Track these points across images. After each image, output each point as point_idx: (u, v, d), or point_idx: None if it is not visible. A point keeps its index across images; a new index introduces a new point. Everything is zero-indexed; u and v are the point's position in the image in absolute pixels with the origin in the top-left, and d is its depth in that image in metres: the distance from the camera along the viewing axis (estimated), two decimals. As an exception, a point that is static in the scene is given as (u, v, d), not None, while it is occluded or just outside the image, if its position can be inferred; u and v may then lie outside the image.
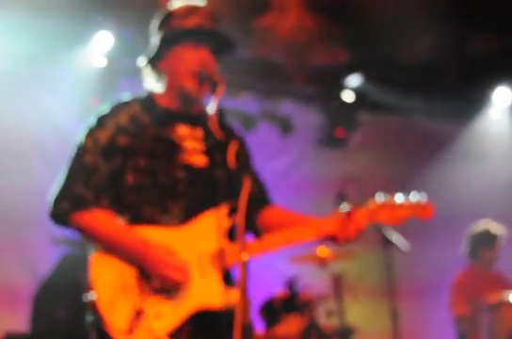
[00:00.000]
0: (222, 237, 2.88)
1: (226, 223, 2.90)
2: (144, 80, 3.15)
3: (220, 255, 2.85)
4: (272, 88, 7.43)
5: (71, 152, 2.96)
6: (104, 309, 2.71)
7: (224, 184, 2.99)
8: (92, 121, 2.99)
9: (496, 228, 6.56)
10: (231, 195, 2.88)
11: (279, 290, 5.98)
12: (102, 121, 2.96)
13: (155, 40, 3.10)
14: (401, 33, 6.59)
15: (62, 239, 5.69)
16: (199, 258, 2.84)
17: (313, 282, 6.12)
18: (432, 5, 6.43)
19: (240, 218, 2.60)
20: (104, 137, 2.91)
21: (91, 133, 2.94)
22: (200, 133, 3.05)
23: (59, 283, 5.83)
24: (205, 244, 2.86)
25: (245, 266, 2.55)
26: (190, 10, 3.07)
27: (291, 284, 5.95)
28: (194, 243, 2.85)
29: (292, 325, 5.76)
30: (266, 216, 3.14)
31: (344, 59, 7.06)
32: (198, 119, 3.07)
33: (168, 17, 3.08)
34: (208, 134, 3.03)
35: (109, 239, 2.81)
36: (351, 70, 7.54)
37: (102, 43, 6.40)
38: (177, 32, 3.03)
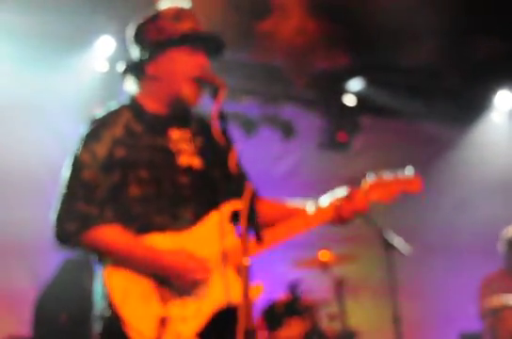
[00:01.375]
0: (230, 235, 2.90)
1: (226, 224, 2.92)
2: (125, 83, 3.08)
3: (230, 253, 2.86)
4: (274, 92, 7.43)
5: (68, 164, 2.88)
6: (127, 321, 2.69)
7: (222, 184, 2.99)
8: (86, 132, 2.91)
9: None
10: (230, 194, 2.92)
11: (281, 294, 5.97)
12: (97, 133, 2.89)
13: (144, 41, 3.04)
14: (403, 37, 6.60)
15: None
16: (213, 258, 2.86)
17: (315, 285, 6.13)
18: (434, 8, 6.43)
19: (243, 223, 2.60)
20: (102, 151, 2.85)
21: (88, 147, 2.86)
22: (188, 135, 3.04)
23: (61, 287, 5.82)
24: (215, 244, 2.87)
25: (246, 270, 2.55)
26: (179, 13, 3.03)
27: (293, 288, 5.95)
28: (205, 244, 2.86)
29: (294, 329, 5.76)
30: (258, 209, 3.13)
31: (346, 63, 7.06)
32: (185, 121, 3.07)
33: (156, 18, 3.03)
34: (195, 135, 3.04)
35: (123, 253, 2.77)
36: (353, 73, 7.55)
37: (104, 48, 6.41)
38: (174, 36, 2.98)
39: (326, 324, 6.07)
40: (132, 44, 3.10)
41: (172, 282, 2.78)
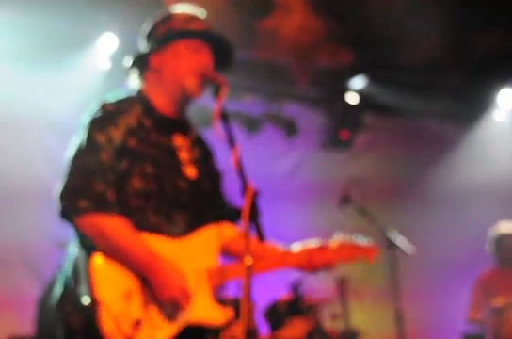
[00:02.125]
0: (216, 255, 2.92)
1: (221, 241, 2.94)
2: (130, 77, 3.08)
3: (215, 273, 2.87)
4: (276, 90, 7.42)
5: (79, 141, 2.83)
6: (104, 316, 2.64)
7: (211, 196, 3.02)
8: (101, 115, 2.87)
9: (506, 227, 6.56)
10: (220, 210, 2.99)
11: (283, 294, 5.96)
12: (114, 118, 2.85)
13: (151, 38, 3.05)
14: (405, 34, 6.58)
15: (67, 243, 5.68)
16: (197, 272, 2.85)
17: (318, 285, 6.11)
18: (436, 5, 6.42)
19: (245, 222, 2.59)
20: (118, 136, 2.80)
21: (105, 130, 2.81)
22: (188, 143, 3.03)
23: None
24: (203, 259, 2.87)
25: (249, 270, 2.54)
26: (192, 17, 3.05)
27: (295, 288, 5.94)
28: (193, 257, 2.85)
29: (296, 328, 5.75)
30: (233, 237, 3.12)
31: (349, 61, 7.04)
32: (187, 127, 3.07)
33: (169, 19, 3.04)
34: (194, 144, 3.04)
35: (123, 248, 2.72)
36: (355, 72, 7.53)
37: (106, 45, 6.39)
38: (184, 30, 2.99)
39: (328, 323, 6.07)
40: (142, 44, 3.11)
41: (159, 296, 2.75)
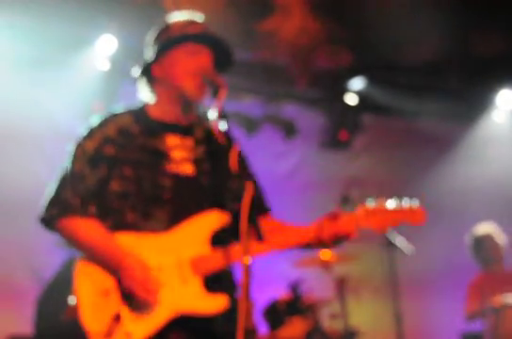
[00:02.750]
0: (205, 244, 2.90)
1: (209, 230, 2.92)
2: (139, 91, 3.14)
3: (200, 262, 2.87)
4: (275, 91, 7.43)
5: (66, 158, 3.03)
6: (84, 313, 2.78)
7: (210, 191, 3.00)
8: (83, 132, 3.04)
9: (482, 229, 6.58)
10: (216, 202, 2.95)
11: (282, 293, 5.97)
12: (91, 132, 3.02)
13: (152, 49, 3.09)
14: (404, 35, 6.59)
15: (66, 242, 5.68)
16: (179, 264, 2.86)
17: (317, 284, 6.13)
18: (435, 6, 6.43)
19: (243, 222, 2.60)
20: (91, 146, 2.97)
21: (81, 143, 3.00)
22: (190, 142, 3.05)
23: (63, 286, 5.81)
24: (187, 250, 2.88)
25: (247, 269, 2.55)
26: (190, 22, 3.08)
27: (294, 287, 5.95)
28: (175, 249, 2.87)
29: (296, 328, 5.77)
30: (264, 224, 3.00)
31: (348, 62, 7.05)
32: (188, 129, 3.08)
33: (168, 28, 3.08)
34: (198, 143, 3.06)
35: (90, 247, 2.87)
36: (354, 72, 7.54)
37: (105, 47, 6.40)
38: (180, 35, 3.02)
39: (327, 323, 6.08)
40: (147, 54, 3.14)
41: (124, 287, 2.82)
